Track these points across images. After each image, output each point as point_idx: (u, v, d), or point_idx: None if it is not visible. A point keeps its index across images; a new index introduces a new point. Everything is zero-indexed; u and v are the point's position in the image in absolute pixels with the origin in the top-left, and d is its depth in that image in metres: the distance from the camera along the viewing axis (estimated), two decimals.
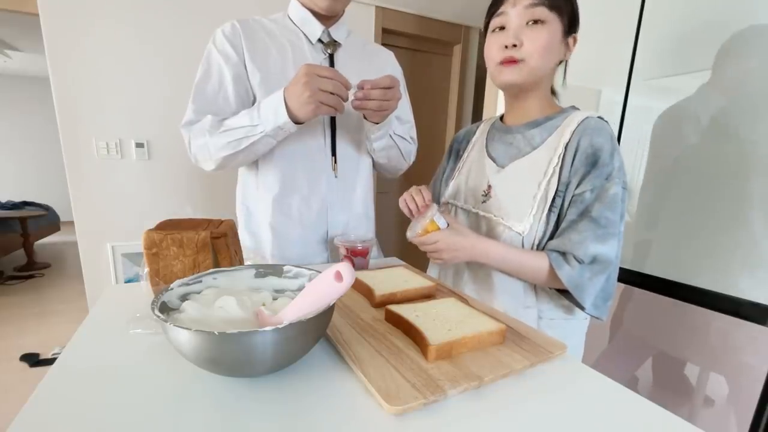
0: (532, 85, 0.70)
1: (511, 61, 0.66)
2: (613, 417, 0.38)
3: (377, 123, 0.83)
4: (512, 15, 0.66)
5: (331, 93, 0.71)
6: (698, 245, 1.03)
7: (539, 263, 0.65)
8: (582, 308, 0.64)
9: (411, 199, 0.75)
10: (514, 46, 0.65)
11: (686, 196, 1.06)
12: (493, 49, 0.69)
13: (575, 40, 0.69)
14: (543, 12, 0.64)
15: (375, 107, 0.76)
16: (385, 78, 0.75)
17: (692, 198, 1.04)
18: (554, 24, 0.65)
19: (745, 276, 0.94)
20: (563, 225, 0.66)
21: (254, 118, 0.76)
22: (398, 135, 0.93)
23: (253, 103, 0.85)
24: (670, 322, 1.13)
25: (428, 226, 0.69)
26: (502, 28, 0.68)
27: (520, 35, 0.65)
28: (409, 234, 0.73)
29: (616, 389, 0.42)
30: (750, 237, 0.93)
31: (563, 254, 0.64)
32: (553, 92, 0.78)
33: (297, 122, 0.75)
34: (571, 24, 0.67)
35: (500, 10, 0.67)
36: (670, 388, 1.17)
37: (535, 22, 0.64)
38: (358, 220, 0.97)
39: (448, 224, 0.70)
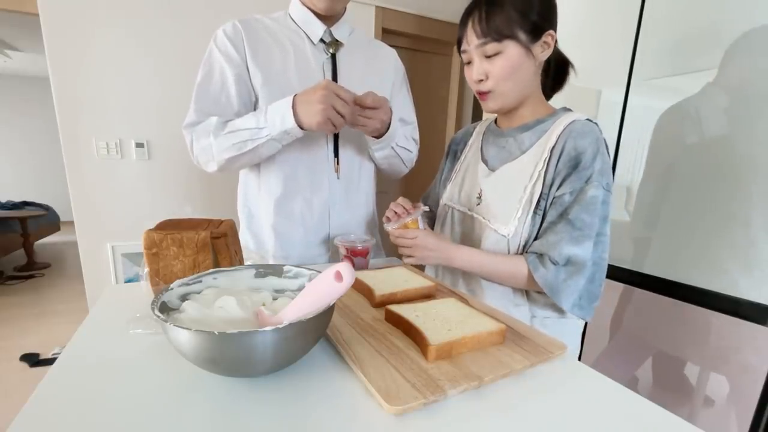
0: (516, 103, 0.71)
1: (484, 94, 0.70)
2: (613, 417, 0.38)
3: (375, 137, 0.84)
4: (471, 52, 0.68)
5: (341, 115, 0.73)
6: (697, 245, 1.03)
7: (519, 267, 0.67)
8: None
9: (391, 209, 0.78)
10: (481, 80, 0.68)
11: (685, 196, 1.06)
12: (469, 80, 0.72)
13: (552, 37, 0.67)
14: (494, 46, 0.65)
15: (348, 120, 0.76)
16: (366, 95, 0.76)
17: (691, 198, 1.04)
18: (510, 48, 0.65)
19: (744, 276, 0.94)
20: (543, 226, 0.67)
21: (260, 120, 0.76)
22: (401, 146, 0.93)
23: (255, 104, 0.85)
24: (670, 322, 1.13)
25: (410, 224, 0.74)
26: (469, 62, 0.71)
27: (483, 68, 0.68)
28: (388, 226, 0.76)
29: (616, 389, 0.42)
30: (748, 237, 0.93)
31: (540, 256, 0.65)
32: (556, 89, 0.79)
33: (303, 128, 0.76)
34: (535, 32, 0.65)
35: (462, 48, 0.70)
36: (670, 388, 1.17)
37: (490, 56, 0.66)
38: (360, 221, 0.97)
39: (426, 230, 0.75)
